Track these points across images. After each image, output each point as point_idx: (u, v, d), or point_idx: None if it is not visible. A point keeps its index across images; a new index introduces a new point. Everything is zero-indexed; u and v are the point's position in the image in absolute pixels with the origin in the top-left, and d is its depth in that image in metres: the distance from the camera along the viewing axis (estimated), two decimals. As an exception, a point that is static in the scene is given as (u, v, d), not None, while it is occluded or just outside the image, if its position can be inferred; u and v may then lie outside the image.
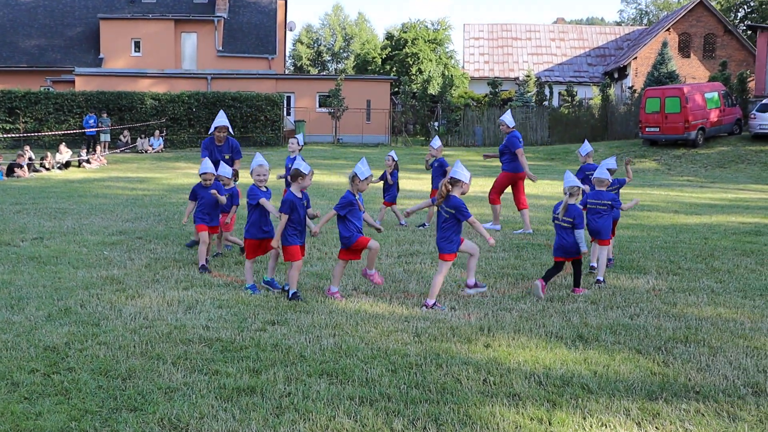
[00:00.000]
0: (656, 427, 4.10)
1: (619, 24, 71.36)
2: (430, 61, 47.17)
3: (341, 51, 77.98)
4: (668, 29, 43.73)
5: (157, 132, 30.10)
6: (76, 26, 41.50)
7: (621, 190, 8.59)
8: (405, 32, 49.32)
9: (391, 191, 11.23)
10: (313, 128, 35.21)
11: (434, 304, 6.50)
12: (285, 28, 45.93)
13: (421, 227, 11.14)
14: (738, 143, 27.47)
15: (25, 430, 3.94)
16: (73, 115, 30.42)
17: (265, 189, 7.14)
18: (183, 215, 9.65)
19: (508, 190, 11.31)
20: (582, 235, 7.08)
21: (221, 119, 9.11)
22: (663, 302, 6.82)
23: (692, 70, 43.07)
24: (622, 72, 44.89)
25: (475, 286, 6.82)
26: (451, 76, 44.99)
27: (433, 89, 43.09)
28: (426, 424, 4.07)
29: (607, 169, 8.09)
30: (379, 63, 53.04)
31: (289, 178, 6.92)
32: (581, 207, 7.29)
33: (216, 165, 8.65)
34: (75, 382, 4.58)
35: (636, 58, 43.67)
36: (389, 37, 52.75)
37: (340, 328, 5.81)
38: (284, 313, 6.22)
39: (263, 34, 42.33)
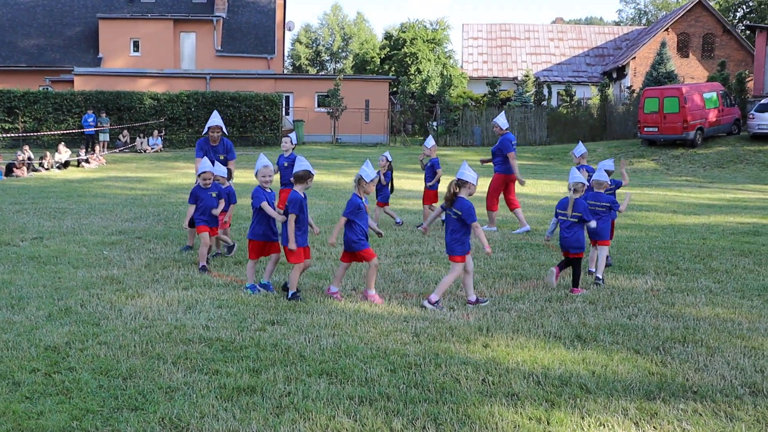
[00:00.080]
0: (654, 427, 4.13)
1: (617, 24, 71.42)
2: (429, 60, 47.20)
3: (340, 51, 77.99)
4: (667, 29, 43.79)
5: (155, 132, 30.10)
6: (75, 26, 41.49)
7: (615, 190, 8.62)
8: (404, 32, 49.35)
9: (383, 192, 11.25)
10: (311, 128, 35.22)
11: (437, 302, 6.52)
12: (284, 27, 45.95)
13: (419, 227, 11.15)
14: (736, 143, 27.51)
15: (27, 429, 3.96)
16: (72, 114, 30.41)
17: (269, 190, 7.12)
18: (182, 215, 9.66)
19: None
20: (594, 225, 7.20)
21: (215, 119, 9.07)
22: (661, 302, 6.85)
23: (691, 70, 43.13)
24: (621, 72, 44.94)
25: (477, 302, 6.66)
26: (450, 75, 44.98)
27: (432, 89, 43.10)
28: (425, 424, 4.10)
29: (605, 171, 8.13)
30: (378, 63, 53.05)
31: (293, 179, 6.88)
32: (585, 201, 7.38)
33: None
34: (76, 381, 4.60)
35: (635, 57, 43.72)
36: (388, 36, 52.79)
37: (339, 328, 5.84)
38: (284, 313, 6.24)
39: (262, 33, 42.34)
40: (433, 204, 11.38)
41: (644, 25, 61.46)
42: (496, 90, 38.64)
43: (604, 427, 4.11)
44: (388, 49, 50.61)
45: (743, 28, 52.89)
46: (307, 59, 77.77)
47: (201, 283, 7.35)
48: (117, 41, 39.73)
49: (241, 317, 6.08)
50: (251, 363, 4.97)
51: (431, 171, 11.26)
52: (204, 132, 9.18)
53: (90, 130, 27.75)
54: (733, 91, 30.93)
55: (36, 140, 28.97)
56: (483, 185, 15.18)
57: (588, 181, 7.82)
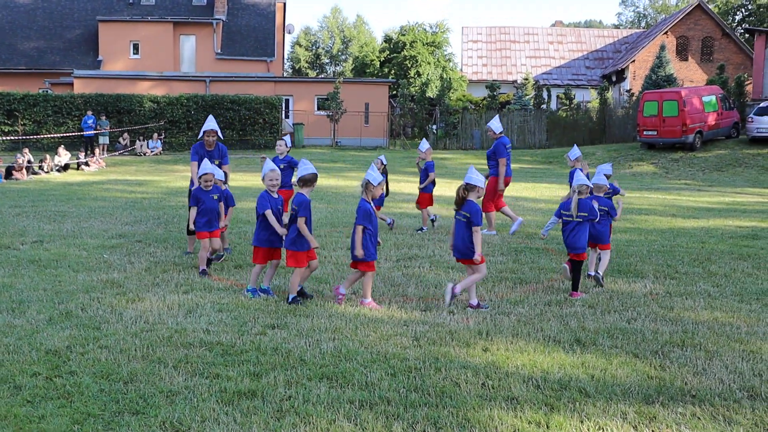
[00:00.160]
0: (653, 431, 4.15)
1: (617, 27, 71.52)
2: (429, 64, 47.26)
3: (339, 54, 78.06)
4: (666, 32, 43.87)
5: (155, 134, 30.14)
6: (74, 28, 41.54)
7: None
8: (403, 35, 49.42)
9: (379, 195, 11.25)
10: (311, 131, 35.26)
11: (478, 303, 6.62)
12: (283, 30, 46.02)
13: (419, 231, 11.18)
14: (735, 147, 27.56)
15: (28, 433, 3.98)
16: (72, 117, 30.44)
17: (276, 196, 7.10)
18: (182, 218, 9.67)
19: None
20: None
21: (211, 123, 9.01)
22: (660, 306, 6.87)
23: (690, 74, 43.21)
24: (620, 75, 45.01)
25: (478, 306, 6.70)
26: (450, 79, 45.04)
27: (432, 92, 43.14)
28: (425, 428, 4.11)
29: (604, 175, 8.18)
30: (378, 66, 53.12)
31: (299, 182, 6.87)
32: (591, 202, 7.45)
33: None
34: (77, 385, 4.62)
35: (634, 61, 43.80)
36: (387, 39, 52.85)
37: (339, 332, 5.86)
38: (284, 317, 6.26)
39: (262, 36, 42.39)
40: (429, 207, 11.41)
41: (643, 28, 61.58)
42: (495, 93, 38.68)
43: (603, 430, 4.13)
44: (388, 52, 50.68)
45: (742, 31, 52.98)
46: (306, 62, 77.84)
47: (201, 287, 7.37)
48: (117, 44, 39.78)
49: (241, 321, 6.10)
50: (252, 367, 4.99)
51: (424, 174, 11.29)
52: (199, 136, 9.11)
53: (89, 132, 27.78)
54: (732, 95, 30.98)
55: (35, 143, 29.00)
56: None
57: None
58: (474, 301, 6.68)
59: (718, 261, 9.10)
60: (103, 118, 28.92)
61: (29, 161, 21.09)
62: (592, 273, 7.83)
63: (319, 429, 4.08)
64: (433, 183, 11.35)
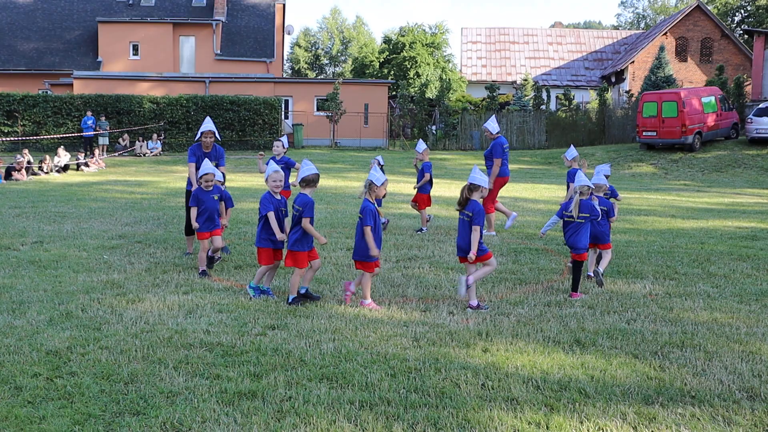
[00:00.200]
0: (652, 431, 4.16)
1: (616, 28, 71.60)
2: (428, 64, 47.30)
3: (339, 54, 78.11)
4: (665, 33, 43.92)
5: (155, 135, 30.15)
6: (74, 29, 41.55)
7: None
8: (403, 36, 49.45)
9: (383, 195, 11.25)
10: (310, 132, 35.28)
11: (477, 305, 6.64)
12: (283, 31, 46.03)
13: (419, 232, 11.19)
14: (735, 147, 27.58)
15: (29, 434, 3.98)
16: (72, 118, 30.45)
17: (279, 197, 7.08)
18: (182, 219, 9.67)
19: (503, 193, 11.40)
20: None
21: (208, 125, 8.99)
22: (659, 307, 6.88)
23: (689, 74, 43.25)
24: (620, 76, 45.05)
25: (478, 307, 6.70)
26: (449, 79, 45.12)
27: (431, 93, 43.21)
28: (425, 428, 4.12)
29: (603, 176, 8.22)
30: (377, 67, 53.16)
31: (303, 182, 6.85)
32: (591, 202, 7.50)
33: None
34: (78, 386, 4.62)
35: (633, 62, 43.84)
36: (387, 40, 52.88)
37: (339, 332, 5.86)
38: (284, 318, 6.27)
39: (261, 37, 42.41)
40: (428, 207, 11.42)
41: (643, 29, 61.65)
42: (494, 94, 38.72)
43: (603, 431, 4.14)
44: (387, 53, 50.70)
45: (741, 32, 53.04)
46: (306, 63, 77.89)
47: (201, 287, 7.38)
48: (116, 45, 39.79)
49: (241, 322, 6.11)
50: (252, 368, 5.00)
51: (421, 175, 11.31)
52: (197, 138, 9.09)
53: (89, 133, 27.79)
54: (732, 96, 31.02)
55: (35, 144, 29.00)
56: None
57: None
58: (474, 302, 6.69)
59: (718, 262, 9.12)
60: (103, 118, 28.93)
61: (29, 162, 21.09)
62: (591, 273, 7.85)
63: (320, 429, 4.09)
64: (431, 183, 11.35)
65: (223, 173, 9.16)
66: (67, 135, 28.80)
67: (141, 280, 7.69)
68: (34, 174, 20.95)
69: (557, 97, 39.80)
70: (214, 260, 8.33)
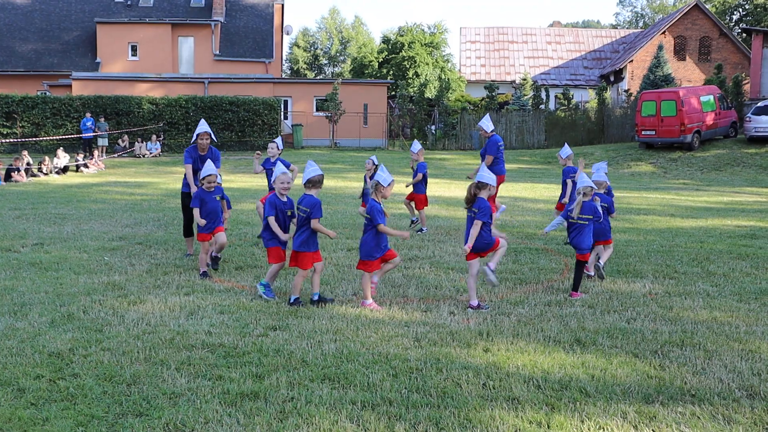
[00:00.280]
0: (653, 430, 4.18)
1: (614, 27, 71.63)
2: (427, 64, 47.29)
3: (338, 54, 78.10)
4: (664, 32, 43.96)
5: (154, 136, 30.16)
6: (72, 30, 41.54)
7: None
8: (402, 36, 49.43)
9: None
10: (310, 132, 35.29)
11: (478, 305, 6.67)
12: (282, 31, 46.04)
13: (419, 232, 11.21)
14: (734, 146, 27.62)
15: (33, 435, 4.00)
16: (71, 119, 30.46)
17: (286, 199, 7.06)
18: (181, 221, 9.67)
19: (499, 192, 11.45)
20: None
21: (204, 126, 8.96)
22: (659, 306, 6.90)
23: (688, 73, 43.29)
24: (618, 75, 45.09)
25: (478, 307, 6.72)
26: (448, 79, 45.12)
27: (430, 93, 43.20)
28: (427, 428, 4.14)
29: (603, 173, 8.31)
30: (376, 67, 53.14)
31: (309, 183, 6.85)
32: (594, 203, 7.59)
33: (198, 174, 8.74)
34: (80, 387, 4.64)
35: (632, 61, 43.88)
36: (386, 40, 52.87)
37: (341, 333, 5.88)
38: (285, 319, 6.29)
39: (260, 38, 42.42)
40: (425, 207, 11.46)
41: (641, 28, 61.68)
42: (494, 94, 38.75)
43: (604, 430, 4.16)
44: (386, 53, 50.68)
45: (740, 31, 53.08)
46: (305, 63, 77.88)
47: (202, 288, 7.39)
48: (115, 46, 39.79)
49: (243, 323, 6.13)
50: (254, 368, 5.02)
51: (415, 174, 11.33)
52: (193, 140, 9.05)
53: (88, 134, 27.80)
54: (730, 94, 31.05)
55: (34, 145, 29.01)
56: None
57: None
58: (474, 302, 6.71)
59: (717, 261, 9.14)
60: (102, 119, 28.93)
61: (28, 163, 21.10)
62: (592, 273, 7.89)
63: (322, 430, 4.11)
64: (425, 183, 11.34)
65: (218, 175, 9.15)
66: (67, 136, 28.81)
67: (142, 281, 7.70)
68: (34, 175, 20.96)
69: (556, 96, 39.84)
70: (218, 260, 8.32)
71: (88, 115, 28.67)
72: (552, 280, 7.99)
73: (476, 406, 4.43)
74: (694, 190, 20.12)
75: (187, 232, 9.24)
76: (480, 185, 6.79)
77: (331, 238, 6.97)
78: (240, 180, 20.01)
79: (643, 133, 28.18)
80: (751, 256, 9.44)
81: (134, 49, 40.13)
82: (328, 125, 34.96)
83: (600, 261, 7.95)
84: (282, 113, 34.45)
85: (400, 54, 47.90)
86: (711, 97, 27.96)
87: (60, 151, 23.61)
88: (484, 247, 6.79)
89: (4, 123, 30.14)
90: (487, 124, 11.21)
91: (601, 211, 7.52)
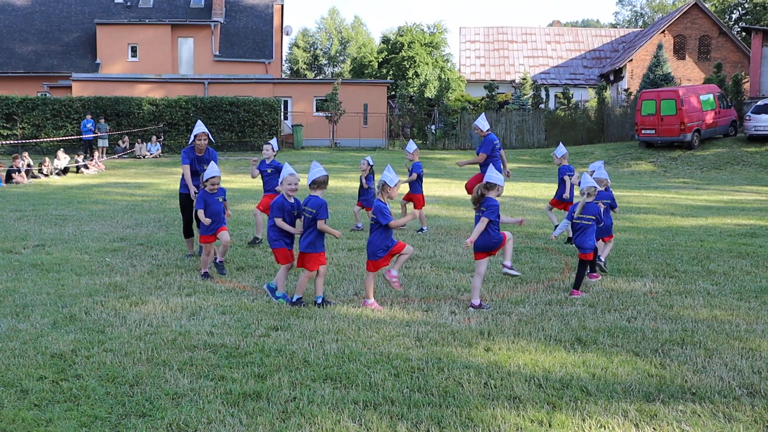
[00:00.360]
0: (654, 428, 4.19)
1: (614, 26, 71.64)
2: (427, 64, 47.33)
3: (338, 55, 78.12)
4: (663, 31, 43.97)
5: (154, 137, 30.18)
6: (72, 32, 41.57)
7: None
8: (401, 36, 49.48)
9: (366, 195, 11.32)
10: (310, 132, 35.32)
11: (480, 304, 6.71)
12: (282, 32, 46.06)
13: (419, 232, 11.23)
14: (733, 145, 27.63)
15: (37, 436, 4.02)
16: (71, 120, 30.48)
17: (293, 200, 7.04)
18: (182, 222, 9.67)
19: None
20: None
21: (201, 127, 8.90)
22: (660, 305, 6.92)
23: (687, 72, 43.30)
24: (618, 74, 45.10)
25: (480, 306, 6.74)
26: (448, 79, 45.15)
27: (430, 92, 43.23)
28: (429, 427, 4.16)
29: (592, 172, 8.60)
30: (376, 67, 53.18)
31: (313, 184, 6.84)
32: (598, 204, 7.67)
33: (195, 174, 8.78)
34: (83, 388, 4.66)
35: (631, 60, 43.89)
36: (385, 40, 52.91)
37: (342, 333, 5.90)
38: (287, 319, 6.31)
39: (260, 38, 42.44)
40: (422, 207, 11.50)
41: (641, 27, 61.68)
42: (493, 93, 38.76)
43: (605, 428, 4.18)
44: (386, 53, 50.73)
45: (739, 29, 53.08)
46: (304, 63, 77.90)
47: (204, 289, 7.41)
48: (115, 47, 39.82)
49: (244, 323, 6.14)
50: (256, 369, 5.03)
51: (410, 174, 11.36)
52: (190, 140, 8.99)
53: (88, 136, 27.83)
54: (730, 93, 31.07)
55: (35, 146, 29.04)
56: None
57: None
58: (477, 301, 6.73)
59: (717, 259, 9.16)
60: (102, 121, 28.96)
61: (29, 165, 21.11)
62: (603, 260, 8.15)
63: (324, 429, 4.12)
64: (420, 182, 11.34)
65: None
66: (67, 138, 28.82)
67: (143, 282, 7.72)
68: (34, 177, 20.98)
69: (556, 95, 39.86)
70: (222, 267, 8.18)
71: (88, 117, 28.69)
72: (553, 279, 8.01)
73: (478, 405, 4.45)
74: (694, 188, 20.13)
75: (188, 233, 9.25)
76: (488, 185, 6.83)
77: (336, 238, 6.99)
78: (240, 181, 20.03)
79: (643, 132, 28.20)
80: (751, 255, 9.46)
81: (134, 50, 40.15)
82: (328, 125, 34.99)
83: (600, 256, 8.04)
84: (282, 114, 34.47)
85: (400, 54, 47.94)
86: (711, 96, 27.97)
87: (60, 153, 23.63)
88: (492, 246, 6.82)
89: (5, 124, 30.17)
90: (482, 123, 11.25)
91: (603, 215, 7.58)
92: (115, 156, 28.57)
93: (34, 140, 28.77)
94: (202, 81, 35.35)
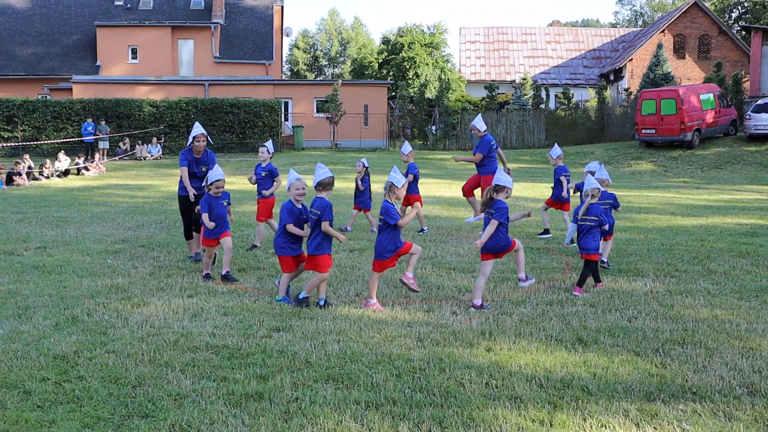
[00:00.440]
0: (654, 428, 4.21)
1: (614, 26, 71.67)
2: (427, 65, 47.35)
3: (338, 56, 78.14)
4: (663, 31, 43.98)
5: (155, 139, 30.20)
6: (72, 34, 41.62)
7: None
8: (401, 36, 49.50)
9: (362, 197, 11.34)
10: (310, 133, 35.34)
11: (481, 304, 6.73)
12: (282, 33, 46.09)
13: (420, 232, 11.24)
14: (734, 144, 27.63)
15: (40, 437, 4.04)
16: (72, 122, 30.52)
17: (301, 205, 7.00)
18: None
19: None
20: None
21: (199, 128, 8.87)
22: (660, 304, 6.93)
23: (687, 72, 43.31)
24: (618, 74, 45.11)
25: (481, 306, 6.75)
26: (448, 79, 45.14)
27: (430, 93, 43.24)
28: (431, 427, 4.18)
29: (588, 172, 8.71)
30: (376, 67, 53.21)
31: (319, 186, 6.84)
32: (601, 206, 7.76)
33: (194, 176, 8.77)
34: (86, 390, 4.68)
35: (631, 59, 43.90)
36: (385, 41, 52.92)
37: (344, 334, 5.92)
38: (289, 320, 6.32)
39: (260, 40, 42.48)
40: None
41: (640, 26, 61.68)
42: (494, 93, 38.78)
43: (606, 428, 4.19)
44: (386, 54, 50.75)
45: (739, 28, 53.08)
46: (305, 65, 77.91)
47: (206, 290, 7.43)
48: (115, 49, 39.87)
49: (246, 324, 6.16)
50: (258, 369, 5.05)
51: (406, 176, 11.38)
52: (189, 142, 8.90)
53: (89, 138, 27.85)
54: (730, 92, 31.08)
55: (35, 149, 29.07)
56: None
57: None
58: (478, 302, 6.75)
59: (718, 259, 9.17)
60: (103, 123, 28.98)
61: (30, 167, 21.14)
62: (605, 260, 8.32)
63: (327, 430, 4.14)
64: (416, 183, 11.36)
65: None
66: (68, 140, 28.86)
67: (145, 284, 7.74)
68: (35, 179, 21.01)
69: (556, 95, 39.87)
70: (230, 277, 8.00)
71: (89, 120, 28.72)
72: (553, 279, 8.02)
73: (479, 405, 4.47)
74: (694, 188, 20.14)
75: (188, 234, 9.26)
76: (497, 188, 6.88)
77: (340, 242, 7.02)
78: (241, 182, 20.04)
79: (643, 131, 28.21)
80: (752, 254, 9.47)
81: (134, 52, 40.20)
82: (328, 126, 35.01)
83: (602, 257, 8.12)
84: (282, 115, 34.49)
85: (400, 55, 47.96)
86: (711, 95, 27.98)
87: (61, 155, 23.65)
88: (500, 248, 6.87)
89: (5, 127, 30.20)
90: (480, 123, 11.31)
91: (605, 217, 7.65)
92: (116, 158, 28.59)
93: (35, 142, 28.81)
94: (202, 83, 35.39)
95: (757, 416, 4.35)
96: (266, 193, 9.70)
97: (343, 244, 10.07)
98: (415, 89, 44.01)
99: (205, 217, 7.94)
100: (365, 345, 5.61)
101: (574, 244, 8.04)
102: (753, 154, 26.07)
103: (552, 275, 8.27)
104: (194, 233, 9.08)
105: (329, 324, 6.19)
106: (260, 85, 35.93)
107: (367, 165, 11.36)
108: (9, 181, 19.66)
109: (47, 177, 21.68)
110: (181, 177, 8.98)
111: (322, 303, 6.79)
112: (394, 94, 43.81)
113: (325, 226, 6.65)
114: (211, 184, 7.98)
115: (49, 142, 28.92)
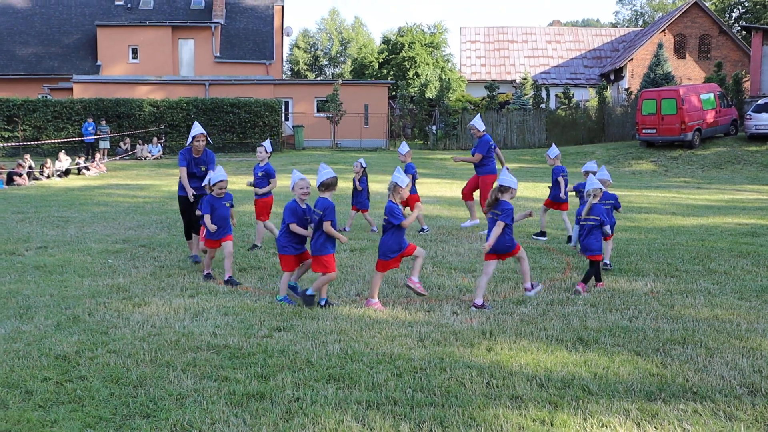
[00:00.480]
0: (655, 427, 4.21)
1: (614, 26, 71.64)
2: (427, 64, 47.35)
3: (338, 55, 78.14)
4: (663, 30, 43.98)
5: (155, 139, 30.21)
6: (73, 34, 41.63)
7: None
8: (402, 36, 49.51)
9: (359, 197, 11.35)
10: (311, 133, 35.34)
11: (482, 304, 6.73)
12: (282, 33, 46.10)
13: (420, 232, 11.25)
14: (734, 144, 27.63)
15: (42, 437, 4.04)
16: (72, 122, 30.53)
17: (305, 205, 7.00)
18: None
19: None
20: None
21: (198, 128, 8.84)
22: (661, 304, 6.93)
23: (688, 71, 43.31)
24: (618, 74, 45.10)
25: (482, 306, 6.76)
26: (448, 79, 45.16)
27: (431, 93, 43.25)
28: (432, 427, 4.18)
29: (585, 172, 8.82)
30: (376, 67, 53.22)
31: (322, 186, 6.84)
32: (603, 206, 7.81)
33: (193, 176, 8.78)
34: (87, 389, 4.68)
35: (632, 59, 43.90)
36: (386, 41, 52.94)
37: (345, 333, 5.92)
38: (290, 320, 6.33)
39: (260, 39, 42.49)
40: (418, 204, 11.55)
41: (641, 26, 61.67)
42: (494, 93, 38.78)
43: (607, 427, 4.20)
44: (387, 54, 50.76)
45: (739, 28, 53.07)
46: (305, 64, 77.92)
47: (206, 290, 7.43)
48: (115, 48, 39.88)
49: (247, 324, 6.17)
50: (259, 369, 5.06)
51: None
52: (188, 142, 8.86)
53: (90, 138, 27.87)
54: (730, 92, 31.07)
55: (36, 148, 29.08)
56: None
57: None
58: (479, 301, 6.76)
59: (718, 258, 9.17)
60: (103, 122, 29.00)
61: (30, 167, 21.16)
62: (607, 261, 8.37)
63: (328, 429, 4.15)
64: (414, 183, 11.37)
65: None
66: (68, 139, 28.87)
67: (146, 283, 7.74)
68: (36, 179, 21.02)
69: (557, 95, 39.86)
70: (233, 281, 7.89)
71: (89, 120, 28.74)
72: (554, 279, 8.03)
73: (480, 405, 4.47)
74: (694, 188, 20.14)
75: (189, 234, 9.26)
76: (502, 188, 6.90)
77: (342, 243, 7.02)
78: (241, 182, 20.04)
79: (643, 131, 28.21)
80: (752, 254, 9.47)
81: (135, 51, 40.21)
82: (329, 126, 35.02)
83: (604, 258, 8.16)
84: (283, 115, 34.50)
85: (401, 54, 47.97)
86: (711, 95, 27.98)
87: (62, 154, 23.66)
88: (504, 249, 6.90)
89: (6, 127, 30.22)
90: (479, 123, 11.33)
91: (607, 217, 7.68)
92: (117, 158, 28.61)
93: (36, 142, 28.82)
94: (202, 82, 35.40)
95: (758, 416, 4.35)
96: (259, 191, 9.69)
97: (344, 244, 10.08)
98: (416, 89, 44.02)
99: (207, 219, 7.87)
100: (366, 345, 5.62)
101: (575, 245, 8.07)
102: (753, 154, 26.07)
103: (552, 275, 8.28)
104: (194, 234, 9.08)
105: (330, 324, 6.20)
106: (261, 84, 35.94)
107: (365, 165, 11.37)
108: (10, 180, 19.67)
109: (48, 177, 21.69)
110: (180, 177, 8.97)
111: (323, 303, 6.80)
112: (394, 93, 43.81)
113: (326, 226, 6.65)
114: (215, 185, 7.92)
115: (49, 141, 28.93)
